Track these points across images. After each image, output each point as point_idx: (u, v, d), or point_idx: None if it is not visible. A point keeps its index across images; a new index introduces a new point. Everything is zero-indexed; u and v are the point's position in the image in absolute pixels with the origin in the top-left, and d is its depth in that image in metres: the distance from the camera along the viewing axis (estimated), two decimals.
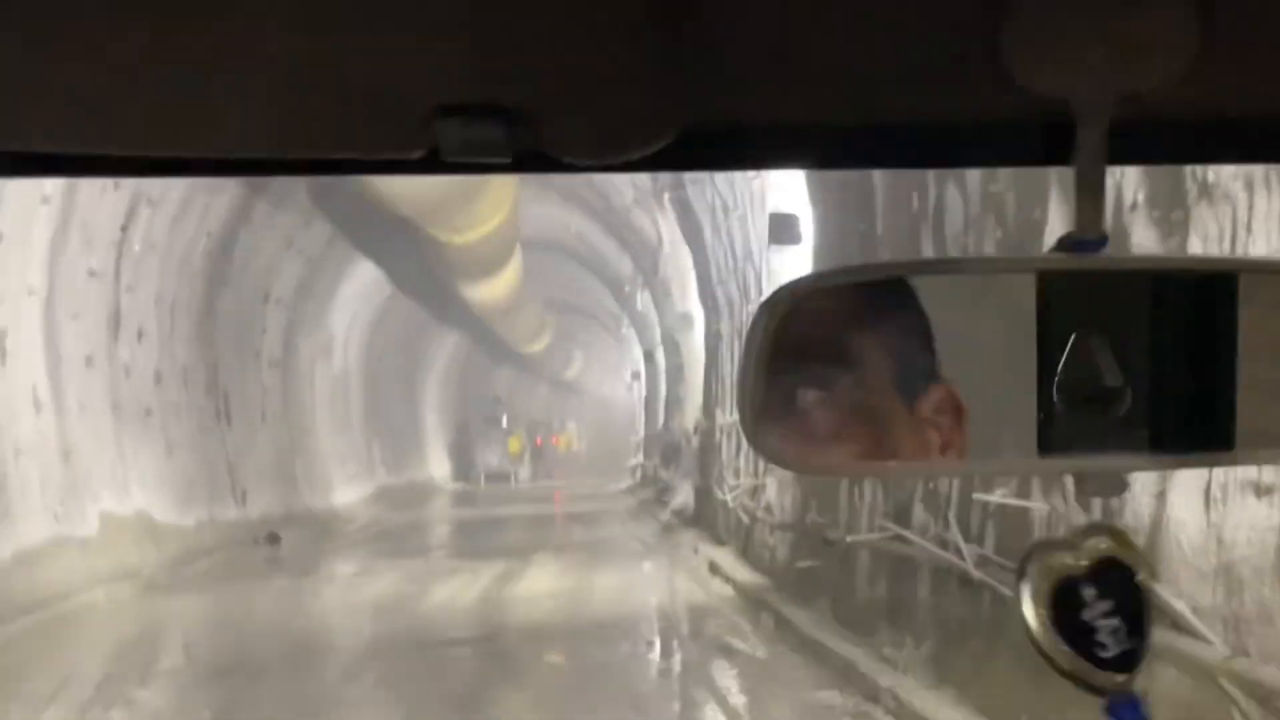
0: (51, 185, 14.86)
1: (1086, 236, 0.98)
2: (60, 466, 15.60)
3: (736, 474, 16.61)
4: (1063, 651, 0.96)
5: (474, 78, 0.98)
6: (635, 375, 43.02)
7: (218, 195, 21.05)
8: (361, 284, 32.64)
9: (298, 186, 24.10)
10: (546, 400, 66.97)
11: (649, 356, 40.10)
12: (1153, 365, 0.99)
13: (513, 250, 27.03)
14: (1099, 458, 1.00)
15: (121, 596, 15.14)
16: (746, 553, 14.62)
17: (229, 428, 23.75)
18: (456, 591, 15.24)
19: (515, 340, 40.57)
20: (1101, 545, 0.98)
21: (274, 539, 22.65)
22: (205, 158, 1.16)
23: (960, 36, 0.97)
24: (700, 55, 1.00)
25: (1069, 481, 1.19)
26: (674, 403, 30.27)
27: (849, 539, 10.36)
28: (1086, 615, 0.97)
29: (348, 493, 31.60)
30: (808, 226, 13.35)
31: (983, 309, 1.01)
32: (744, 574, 14.07)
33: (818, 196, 12.90)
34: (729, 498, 15.92)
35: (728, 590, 13.93)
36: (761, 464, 14.43)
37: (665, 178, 21.55)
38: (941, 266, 1.08)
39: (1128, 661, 0.96)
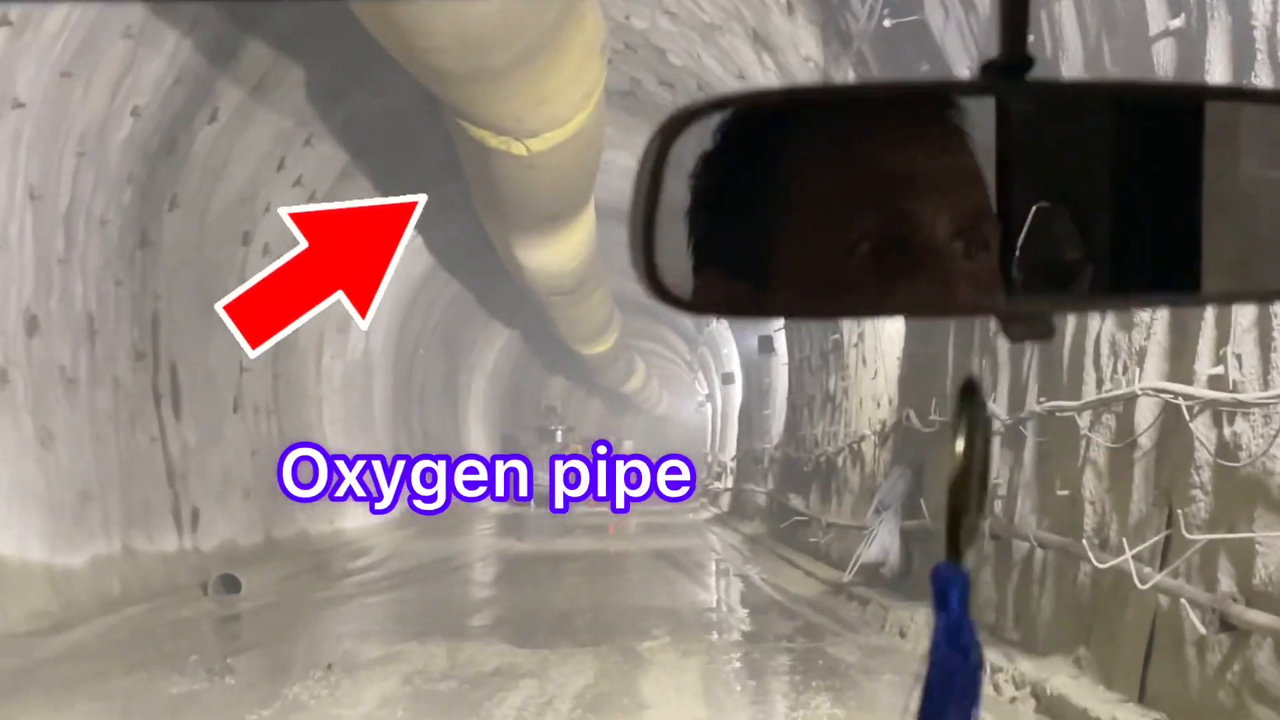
0: None
1: (1010, 60, 0.91)
2: None
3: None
4: None
5: None
6: (727, 377, 35.53)
7: (151, 50, 13.31)
8: None
9: (291, 73, 16.36)
10: (601, 415, 59.79)
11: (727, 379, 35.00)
12: (1114, 207, 0.95)
13: (590, 186, 19.03)
14: (1060, 300, 0.99)
15: None
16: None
17: (175, 415, 16.01)
18: None
19: (576, 338, 32.78)
20: None
21: (230, 583, 14.89)
22: None
23: None
24: None
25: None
26: (795, 415, 22.60)
27: None
28: None
29: (361, 513, 23.77)
30: None
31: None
32: None
33: None
34: (1090, 557, 7.56)
35: None
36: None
37: None
38: (868, 91, 1.03)
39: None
